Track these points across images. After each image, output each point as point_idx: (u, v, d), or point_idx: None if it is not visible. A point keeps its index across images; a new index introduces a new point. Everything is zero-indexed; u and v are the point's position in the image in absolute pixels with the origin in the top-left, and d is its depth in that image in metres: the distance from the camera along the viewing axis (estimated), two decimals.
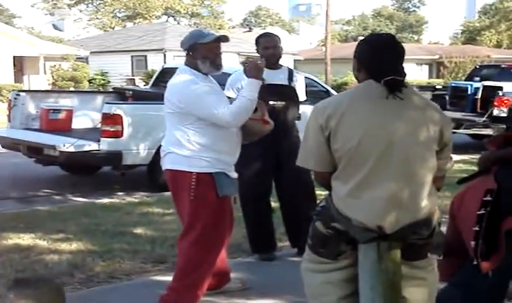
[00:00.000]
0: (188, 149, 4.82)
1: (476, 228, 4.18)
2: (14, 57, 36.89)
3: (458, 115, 16.92)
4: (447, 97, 18.14)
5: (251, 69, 4.94)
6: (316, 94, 11.75)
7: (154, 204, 9.21)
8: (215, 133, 4.84)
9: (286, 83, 6.41)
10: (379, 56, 3.40)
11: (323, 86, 14.47)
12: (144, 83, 32.64)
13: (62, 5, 65.85)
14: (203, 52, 4.91)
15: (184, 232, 4.98)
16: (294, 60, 43.57)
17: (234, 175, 5.04)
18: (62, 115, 11.39)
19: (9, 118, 11.59)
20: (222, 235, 5.05)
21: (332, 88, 17.33)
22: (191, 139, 4.82)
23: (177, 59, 34.18)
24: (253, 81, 4.92)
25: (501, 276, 4.38)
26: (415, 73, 46.38)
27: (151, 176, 10.37)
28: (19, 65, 38.14)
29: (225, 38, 5.10)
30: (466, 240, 4.31)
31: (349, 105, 3.35)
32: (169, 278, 5.27)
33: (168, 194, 7.76)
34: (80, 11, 65.39)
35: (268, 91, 6.14)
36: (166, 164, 4.99)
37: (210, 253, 4.98)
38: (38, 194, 10.48)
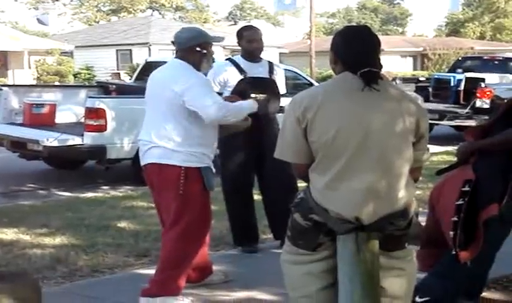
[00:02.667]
0: (176, 143, 4.86)
1: (455, 219, 4.24)
2: None
3: (441, 106, 17.03)
4: (430, 89, 18.23)
5: (261, 103, 5.50)
6: (300, 87, 11.79)
7: (138, 198, 9.22)
8: (202, 128, 4.90)
9: (266, 75, 6.44)
10: (354, 48, 3.41)
11: (307, 79, 14.51)
12: (129, 77, 32.55)
13: None
14: (210, 50, 5.08)
15: (170, 226, 5.00)
16: (280, 53, 43.57)
17: (214, 169, 5.12)
18: (45, 110, 11.36)
19: None
20: (206, 229, 5.12)
21: (316, 81, 17.37)
22: (181, 133, 4.86)
23: (162, 52, 34.15)
24: (255, 106, 5.31)
25: (480, 265, 4.45)
26: (400, 65, 46.49)
27: (135, 170, 10.38)
28: (4, 59, 37.89)
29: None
30: (445, 230, 4.37)
31: (325, 97, 3.36)
32: (152, 271, 5.30)
33: None
34: (64, 5, 65.02)
35: (249, 84, 6.18)
36: (151, 158, 4.98)
37: (194, 246, 5.03)
38: (22, 188, 10.47)
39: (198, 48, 5.00)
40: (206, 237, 5.21)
